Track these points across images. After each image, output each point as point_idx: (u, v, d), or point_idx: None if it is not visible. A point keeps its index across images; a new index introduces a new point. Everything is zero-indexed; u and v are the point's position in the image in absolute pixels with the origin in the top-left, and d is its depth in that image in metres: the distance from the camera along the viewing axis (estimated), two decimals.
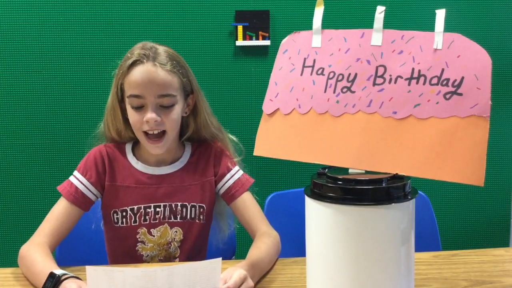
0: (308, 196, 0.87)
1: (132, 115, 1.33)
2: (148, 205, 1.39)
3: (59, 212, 1.32)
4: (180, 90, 1.35)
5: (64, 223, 1.32)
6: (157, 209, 1.39)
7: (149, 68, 1.30)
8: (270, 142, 0.97)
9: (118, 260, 1.43)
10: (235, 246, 1.69)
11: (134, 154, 1.42)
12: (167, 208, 1.40)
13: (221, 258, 1.01)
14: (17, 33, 2.38)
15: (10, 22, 2.38)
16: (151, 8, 2.42)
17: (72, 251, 1.58)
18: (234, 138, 1.50)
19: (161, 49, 1.35)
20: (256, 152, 0.98)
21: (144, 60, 1.30)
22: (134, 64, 1.30)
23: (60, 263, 1.54)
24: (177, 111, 1.34)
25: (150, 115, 1.29)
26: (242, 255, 1.56)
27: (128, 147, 1.43)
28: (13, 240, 2.46)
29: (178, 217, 1.40)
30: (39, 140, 2.46)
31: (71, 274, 1.11)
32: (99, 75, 2.42)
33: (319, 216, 0.85)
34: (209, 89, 2.51)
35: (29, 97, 2.42)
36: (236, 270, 1.10)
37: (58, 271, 1.10)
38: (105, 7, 2.40)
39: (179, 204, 1.40)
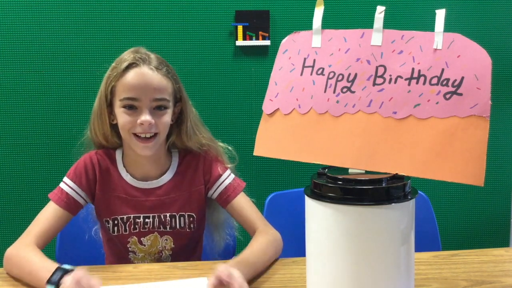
0: (308, 196, 0.87)
1: (123, 116, 1.31)
2: (137, 215, 1.39)
3: (49, 215, 1.31)
4: (172, 95, 1.34)
5: (53, 226, 1.31)
6: (146, 220, 1.39)
7: (146, 71, 1.29)
8: (270, 142, 0.97)
9: (114, 262, 1.44)
10: (235, 246, 1.69)
11: (124, 165, 1.40)
12: (156, 219, 1.39)
13: (206, 278, 1.02)
14: (17, 33, 2.38)
15: (10, 22, 2.38)
16: (151, 8, 2.42)
17: (72, 251, 1.58)
18: (228, 147, 1.48)
19: (153, 55, 1.34)
20: (256, 152, 0.98)
21: (140, 63, 1.30)
22: (129, 67, 1.30)
23: (60, 263, 1.55)
24: (169, 115, 1.34)
25: (146, 117, 1.28)
26: None
27: (119, 157, 1.41)
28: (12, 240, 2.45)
29: (168, 227, 1.40)
30: (39, 140, 2.46)
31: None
32: (99, 75, 2.39)
33: (319, 216, 0.85)
34: (209, 89, 2.54)
35: (29, 97, 2.42)
36: (234, 270, 1.07)
37: (67, 266, 1.10)
38: (105, 7, 2.40)
39: (168, 214, 1.39)
